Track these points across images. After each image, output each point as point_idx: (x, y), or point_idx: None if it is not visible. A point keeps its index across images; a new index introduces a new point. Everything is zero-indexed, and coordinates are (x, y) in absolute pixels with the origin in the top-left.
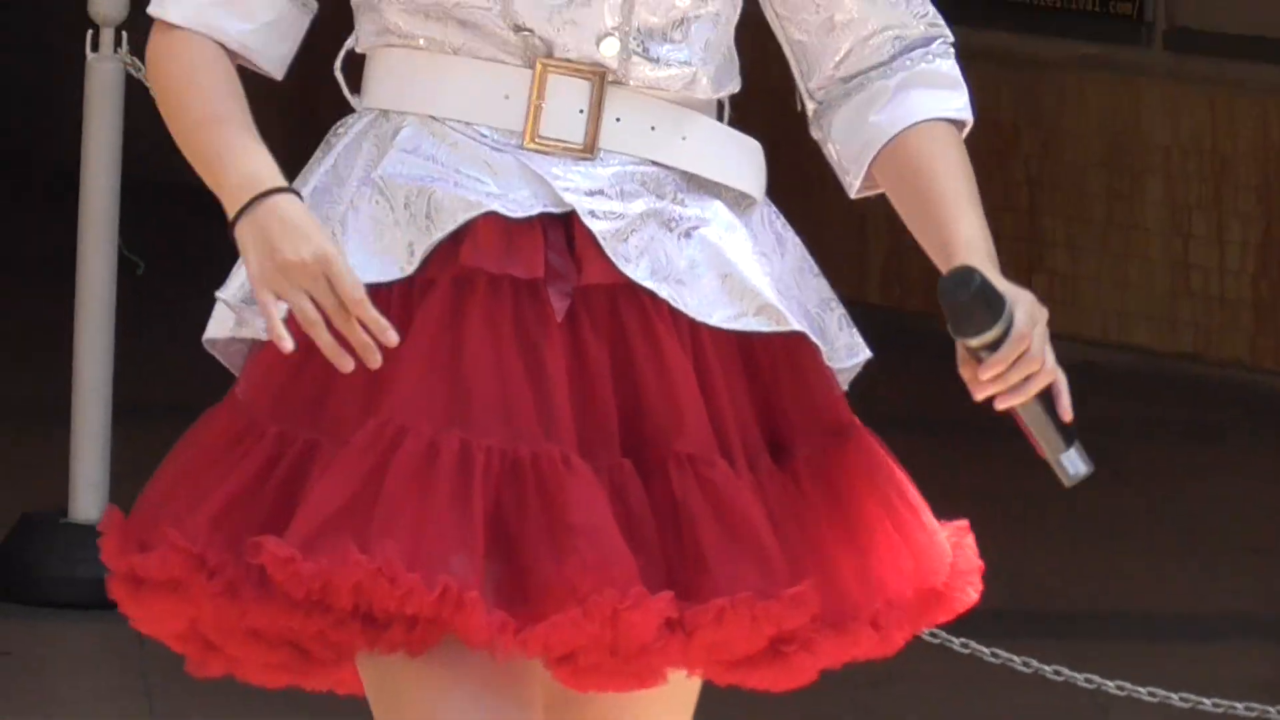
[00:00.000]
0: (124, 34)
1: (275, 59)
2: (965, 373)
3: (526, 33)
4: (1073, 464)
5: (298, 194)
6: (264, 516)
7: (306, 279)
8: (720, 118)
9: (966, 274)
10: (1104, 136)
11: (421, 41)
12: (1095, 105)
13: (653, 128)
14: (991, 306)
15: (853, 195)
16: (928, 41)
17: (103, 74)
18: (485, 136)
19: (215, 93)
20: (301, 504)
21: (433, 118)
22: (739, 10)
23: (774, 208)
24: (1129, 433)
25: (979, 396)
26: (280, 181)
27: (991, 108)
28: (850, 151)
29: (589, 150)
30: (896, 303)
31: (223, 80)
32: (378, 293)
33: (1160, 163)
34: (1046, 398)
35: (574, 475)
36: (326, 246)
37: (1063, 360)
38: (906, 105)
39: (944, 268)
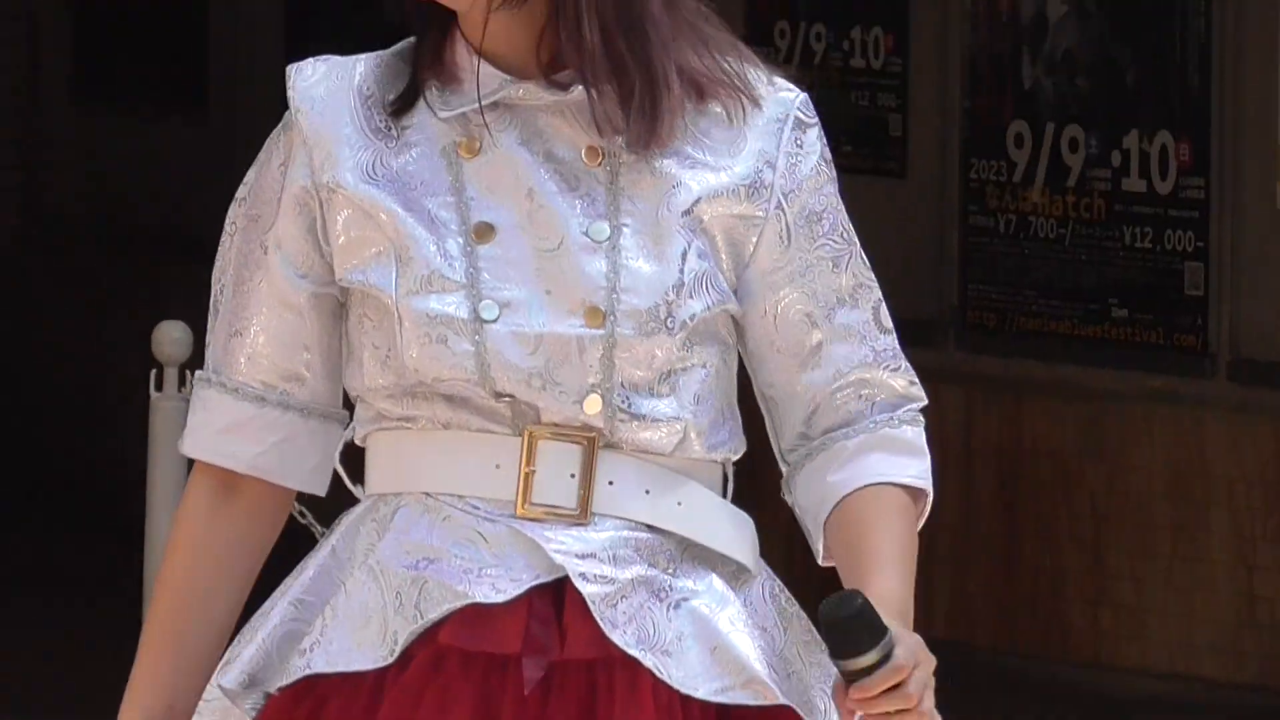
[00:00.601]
0: (187, 373)
1: (300, 474)
2: (836, 697)
3: (508, 399)
4: None
5: None
6: None
7: None
8: (724, 489)
9: (850, 595)
10: (1169, 469)
11: (417, 422)
12: (1160, 437)
13: (647, 491)
14: (871, 631)
15: (821, 562)
16: (896, 406)
17: (166, 413)
18: (478, 509)
19: (176, 583)
20: None
21: (428, 495)
22: (733, 366)
23: (778, 581)
24: None
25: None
26: None
27: (1056, 441)
28: (811, 513)
29: (582, 515)
30: (964, 636)
31: (186, 567)
32: (350, 677)
33: (1225, 495)
34: None
35: None
36: None
37: (1130, 693)
38: (861, 467)
39: None
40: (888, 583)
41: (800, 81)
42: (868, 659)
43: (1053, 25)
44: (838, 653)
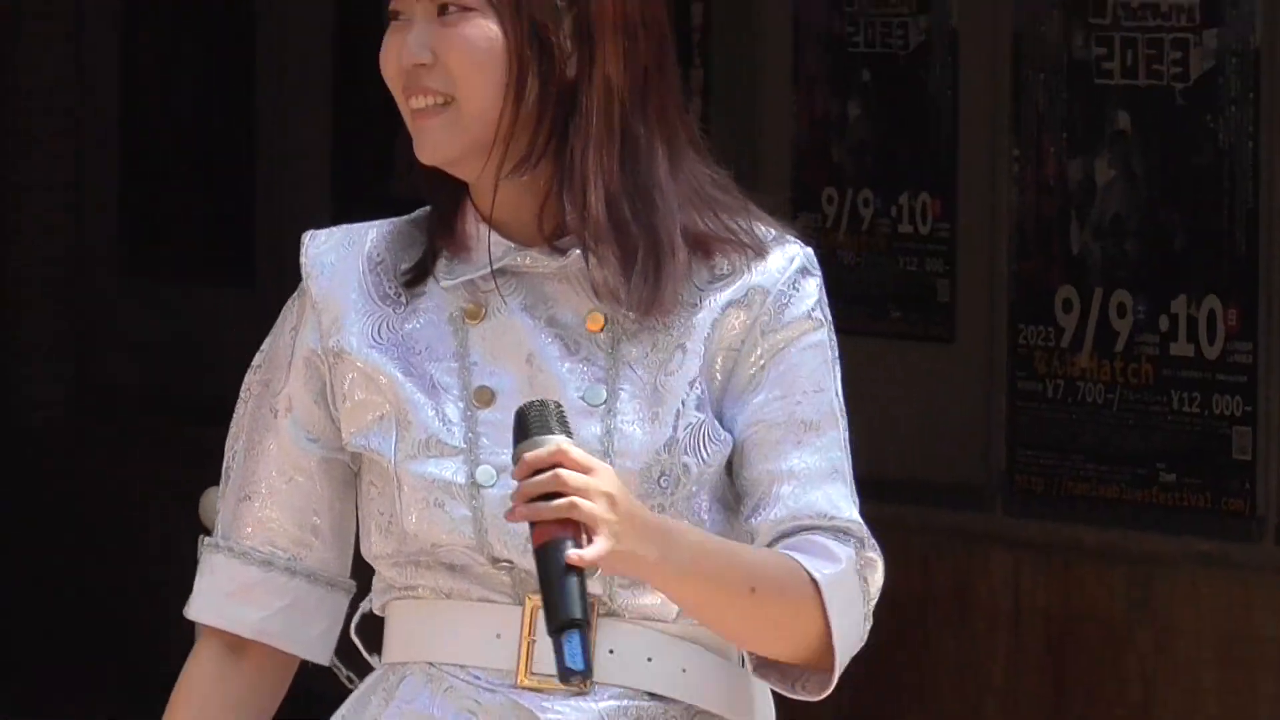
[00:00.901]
0: None
1: (305, 640)
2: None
3: (506, 564)
4: (571, 655)
5: None
6: None
7: None
8: (742, 659)
9: (549, 398)
10: (1217, 632)
11: (419, 591)
12: (1208, 601)
13: (650, 659)
14: (553, 424)
15: (751, 672)
16: (835, 530)
17: None
18: (479, 679)
19: None
20: None
21: (431, 665)
22: (724, 525)
23: None
24: None
25: (510, 517)
26: None
27: (1104, 605)
28: None
29: (583, 685)
30: None
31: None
32: None
33: (1274, 658)
34: (558, 556)
35: None
36: None
37: None
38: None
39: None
40: (701, 532)
41: (847, 247)
42: (537, 444)
43: (1100, 190)
44: (516, 438)
